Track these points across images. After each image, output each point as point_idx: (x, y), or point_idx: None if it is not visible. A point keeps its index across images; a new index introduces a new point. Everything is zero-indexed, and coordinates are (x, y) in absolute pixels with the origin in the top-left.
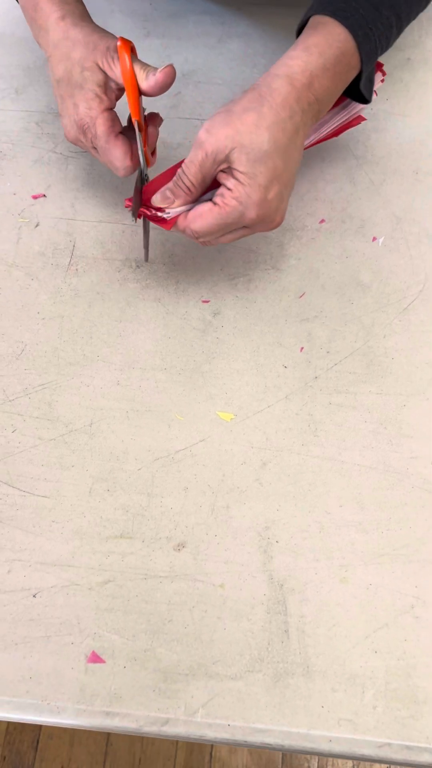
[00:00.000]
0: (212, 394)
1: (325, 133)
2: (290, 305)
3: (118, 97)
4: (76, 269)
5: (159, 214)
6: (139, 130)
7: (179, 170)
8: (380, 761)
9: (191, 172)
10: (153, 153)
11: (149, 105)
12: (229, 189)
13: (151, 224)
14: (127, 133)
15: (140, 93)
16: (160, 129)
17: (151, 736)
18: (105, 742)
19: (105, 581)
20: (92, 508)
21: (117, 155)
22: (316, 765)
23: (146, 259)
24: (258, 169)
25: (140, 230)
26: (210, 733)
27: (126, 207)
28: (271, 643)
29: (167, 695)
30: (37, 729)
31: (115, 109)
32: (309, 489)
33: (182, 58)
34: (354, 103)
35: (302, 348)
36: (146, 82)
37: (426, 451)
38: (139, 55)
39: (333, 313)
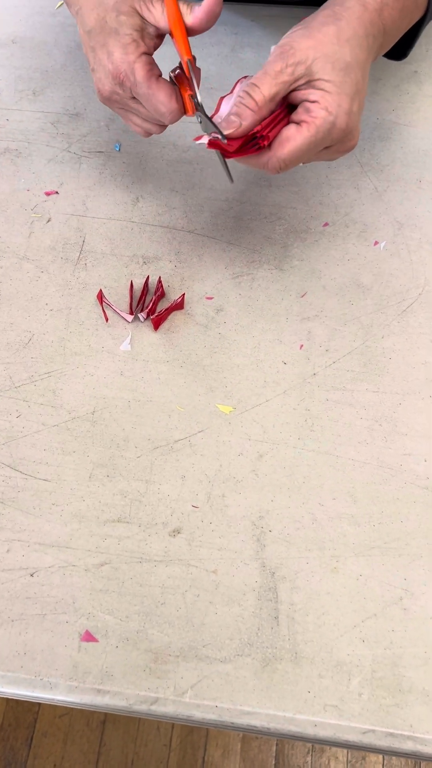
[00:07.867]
0: (212, 387)
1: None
2: (292, 304)
3: (156, 46)
4: (85, 264)
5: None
6: (192, 71)
7: (246, 86)
8: (364, 748)
9: (265, 86)
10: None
11: None
12: (314, 101)
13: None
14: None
15: (187, 32)
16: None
17: (141, 715)
18: (98, 742)
19: (101, 563)
20: (91, 493)
21: (162, 99)
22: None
23: (231, 180)
24: (344, 78)
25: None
26: (198, 714)
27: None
28: (260, 629)
29: (157, 675)
30: (31, 726)
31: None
32: (303, 481)
33: None
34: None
35: (302, 345)
36: (191, 15)
37: (419, 448)
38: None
39: (333, 313)
